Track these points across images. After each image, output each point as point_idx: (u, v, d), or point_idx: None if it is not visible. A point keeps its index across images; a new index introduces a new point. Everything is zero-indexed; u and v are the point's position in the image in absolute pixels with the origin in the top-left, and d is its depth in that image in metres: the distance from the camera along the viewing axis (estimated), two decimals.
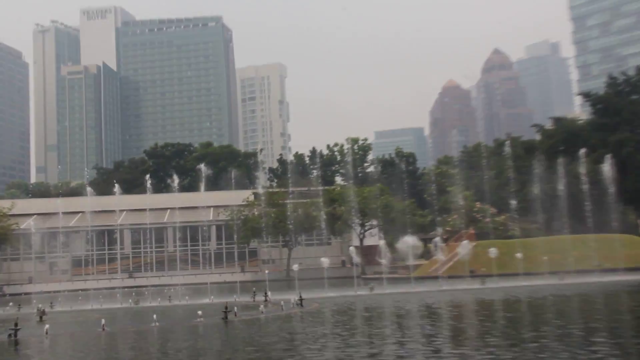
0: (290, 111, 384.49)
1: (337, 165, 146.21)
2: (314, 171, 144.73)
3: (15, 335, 32.62)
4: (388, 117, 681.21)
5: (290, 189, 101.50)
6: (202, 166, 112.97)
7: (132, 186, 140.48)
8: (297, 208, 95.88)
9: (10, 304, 56.73)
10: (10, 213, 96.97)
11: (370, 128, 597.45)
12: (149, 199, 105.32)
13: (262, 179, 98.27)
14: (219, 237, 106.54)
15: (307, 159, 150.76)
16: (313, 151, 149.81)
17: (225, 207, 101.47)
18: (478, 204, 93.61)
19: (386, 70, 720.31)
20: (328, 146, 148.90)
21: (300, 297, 44.79)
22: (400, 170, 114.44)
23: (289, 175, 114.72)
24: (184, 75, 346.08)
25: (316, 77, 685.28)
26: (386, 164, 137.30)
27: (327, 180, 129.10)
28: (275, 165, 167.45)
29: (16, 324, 32.80)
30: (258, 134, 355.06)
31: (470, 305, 41.02)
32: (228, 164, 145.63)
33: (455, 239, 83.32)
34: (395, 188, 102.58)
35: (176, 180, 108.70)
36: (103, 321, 34.91)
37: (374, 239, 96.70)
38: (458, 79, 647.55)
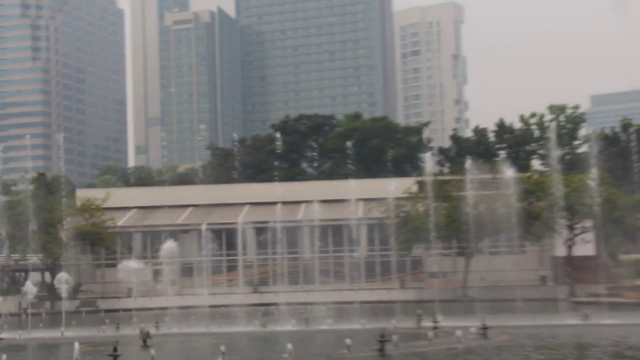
0: (468, 70, 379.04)
1: (534, 144, 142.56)
2: (502, 152, 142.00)
3: None
4: (611, 76, 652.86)
5: (469, 177, 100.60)
6: (349, 145, 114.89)
7: (257, 172, 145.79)
8: (478, 203, 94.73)
9: (107, 322, 61.18)
10: (104, 206, 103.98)
11: (583, 91, 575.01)
12: (279, 189, 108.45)
13: (429, 163, 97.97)
14: (370, 241, 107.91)
15: (491, 135, 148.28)
16: (500, 124, 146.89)
17: (379, 200, 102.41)
18: None
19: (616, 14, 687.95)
20: (522, 117, 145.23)
21: (484, 324, 44.61)
22: (628, 150, 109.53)
23: (466, 158, 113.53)
24: (324, 23, 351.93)
25: (505, 18, 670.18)
26: (608, 141, 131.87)
27: (521, 164, 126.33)
28: (447, 143, 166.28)
29: (115, 349, 35.31)
30: (423, 101, 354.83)
31: None
32: (383, 143, 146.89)
33: None
34: (621, 176, 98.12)
35: (314, 164, 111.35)
36: (222, 349, 36.76)
37: (588, 247, 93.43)
38: None
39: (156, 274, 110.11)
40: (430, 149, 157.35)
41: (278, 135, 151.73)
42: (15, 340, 54.69)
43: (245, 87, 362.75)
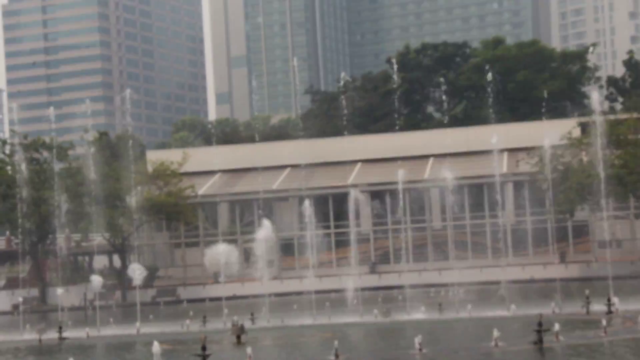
0: None
1: None
2: None
3: None
4: None
5: None
6: (488, 80, 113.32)
7: (370, 120, 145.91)
8: None
9: (191, 315, 62.96)
10: (181, 171, 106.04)
11: None
12: (399, 141, 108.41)
13: (595, 99, 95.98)
14: (518, 204, 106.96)
15: None
16: None
17: (529, 150, 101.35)
18: None
19: None
20: None
21: None
22: None
23: None
24: None
25: None
26: None
27: None
28: (619, 72, 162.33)
29: (203, 348, 36.46)
30: (586, 17, 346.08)
31: None
32: (533, 75, 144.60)
33: None
34: None
35: (444, 107, 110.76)
36: (336, 344, 37.43)
37: None
38: None
39: (248, 253, 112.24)
40: (597, 80, 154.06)
41: (396, 71, 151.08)
42: (82, 339, 56.88)
43: (352, 12, 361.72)
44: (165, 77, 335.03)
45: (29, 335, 59.84)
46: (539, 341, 37.79)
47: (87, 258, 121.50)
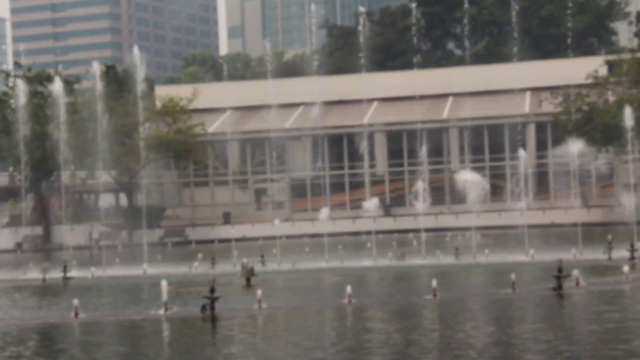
0: None
1: None
2: None
3: (212, 308, 36.58)
4: None
5: None
6: (512, 15, 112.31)
7: (388, 56, 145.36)
8: None
9: (199, 256, 63.34)
10: (191, 107, 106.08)
11: None
12: (418, 79, 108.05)
13: (623, 35, 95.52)
14: (541, 145, 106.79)
15: None
16: None
17: (553, 89, 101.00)
18: None
19: None
20: None
21: None
22: None
23: None
24: None
25: None
26: None
27: None
28: None
29: (212, 290, 36.64)
30: None
31: None
32: (558, 11, 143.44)
33: None
34: None
35: (465, 43, 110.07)
36: (349, 289, 37.63)
37: None
38: None
39: (259, 194, 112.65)
40: (626, 15, 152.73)
41: (415, 5, 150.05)
42: (87, 280, 57.33)
43: None
44: (175, 9, 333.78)
45: (32, 274, 60.26)
46: (559, 287, 37.94)
47: (92, 196, 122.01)
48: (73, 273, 59.13)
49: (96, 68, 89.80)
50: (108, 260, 65.95)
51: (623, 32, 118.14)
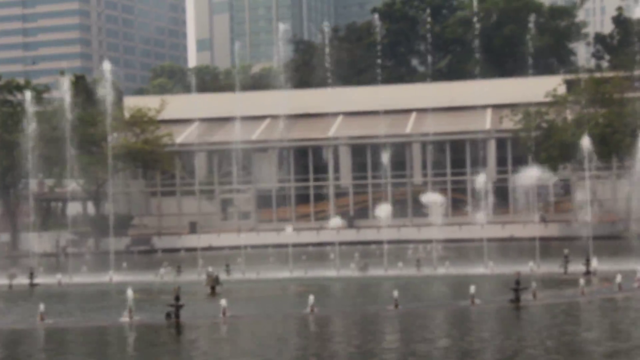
0: None
1: None
2: None
3: (177, 316, 36.56)
4: None
5: (637, 73, 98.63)
6: (474, 33, 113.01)
7: (353, 72, 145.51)
8: None
9: (165, 265, 63.13)
10: (159, 118, 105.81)
11: None
12: (382, 94, 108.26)
13: (581, 55, 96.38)
14: (501, 161, 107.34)
15: None
16: None
17: (514, 107, 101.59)
18: None
19: None
20: None
21: None
22: None
23: (634, 48, 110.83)
24: None
25: None
26: None
27: None
28: (607, 28, 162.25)
29: (177, 298, 36.60)
30: None
31: None
32: (520, 30, 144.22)
33: None
34: None
35: (428, 60, 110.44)
36: (311, 299, 37.68)
37: None
38: None
39: (225, 204, 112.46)
40: (585, 36, 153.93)
41: (380, 22, 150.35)
42: (53, 286, 56.98)
43: None
44: (145, 22, 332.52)
45: None
46: (516, 299, 38.14)
47: (60, 204, 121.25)
48: (40, 280, 58.79)
49: (65, 78, 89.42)
50: (75, 268, 65.57)
51: (581, 52, 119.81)
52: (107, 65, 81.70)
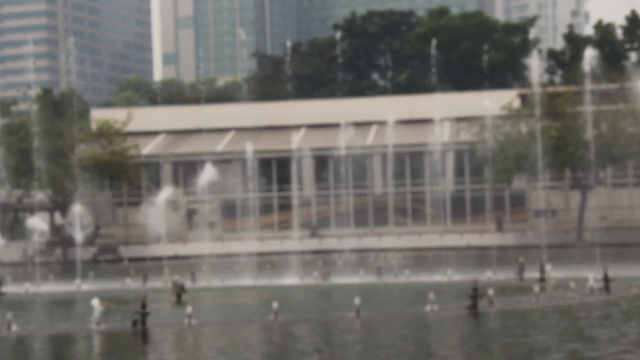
0: None
1: None
2: (633, 55, 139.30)
3: (143, 324, 36.19)
4: None
5: (588, 88, 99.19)
6: (432, 49, 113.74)
7: (315, 85, 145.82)
8: (600, 121, 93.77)
9: (131, 273, 62.70)
10: (125, 130, 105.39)
11: None
12: (343, 107, 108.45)
13: (535, 71, 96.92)
14: (458, 172, 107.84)
15: (619, 32, 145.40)
16: (632, 18, 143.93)
17: (470, 119, 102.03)
18: None
19: None
20: None
21: (606, 275, 44.57)
22: None
23: (584, 64, 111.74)
24: None
25: None
26: None
27: None
28: (559, 45, 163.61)
29: (143, 306, 36.26)
30: None
31: None
32: (476, 46, 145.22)
33: None
34: None
35: (388, 74, 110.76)
36: (275, 305, 37.50)
37: None
38: None
39: (191, 214, 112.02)
40: (539, 52, 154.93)
41: (341, 38, 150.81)
42: (21, 295, 56.37)
43: None
44: (112, 36, 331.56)
45: None
46: (473, 306, 38.14)
47: (27, 214, 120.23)
48: (7, 288, 58.11)
49: (33, 91, 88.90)
50: (42, 276, 64.99)
51: (535, 67, 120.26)
52: (74, 79, 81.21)
